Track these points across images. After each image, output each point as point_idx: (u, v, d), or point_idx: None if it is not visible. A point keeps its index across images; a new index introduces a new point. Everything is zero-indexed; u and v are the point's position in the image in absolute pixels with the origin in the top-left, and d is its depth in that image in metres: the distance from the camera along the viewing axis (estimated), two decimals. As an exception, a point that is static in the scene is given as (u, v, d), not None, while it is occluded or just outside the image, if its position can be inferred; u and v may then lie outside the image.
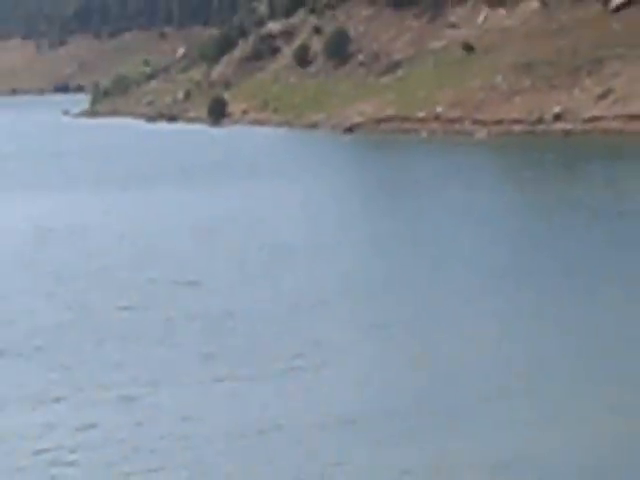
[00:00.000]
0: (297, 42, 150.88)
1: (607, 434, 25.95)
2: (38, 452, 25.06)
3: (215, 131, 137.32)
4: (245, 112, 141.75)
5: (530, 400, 29.18)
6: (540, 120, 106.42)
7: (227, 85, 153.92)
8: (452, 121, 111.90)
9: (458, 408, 29.18)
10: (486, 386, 31.59)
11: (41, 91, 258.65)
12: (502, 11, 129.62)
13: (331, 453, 24.85)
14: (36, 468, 24.46)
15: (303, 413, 27.86)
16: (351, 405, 29.56)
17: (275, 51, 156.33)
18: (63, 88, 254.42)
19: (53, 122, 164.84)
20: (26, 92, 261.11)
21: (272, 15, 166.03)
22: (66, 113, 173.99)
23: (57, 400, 29.90)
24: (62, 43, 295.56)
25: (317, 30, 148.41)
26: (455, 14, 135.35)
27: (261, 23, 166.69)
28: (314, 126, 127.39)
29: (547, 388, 31.16)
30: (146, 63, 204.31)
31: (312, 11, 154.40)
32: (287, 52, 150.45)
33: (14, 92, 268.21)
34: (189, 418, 28.23)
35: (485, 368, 33.01)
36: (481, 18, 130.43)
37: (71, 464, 24.46)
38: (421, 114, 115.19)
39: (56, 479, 24.45)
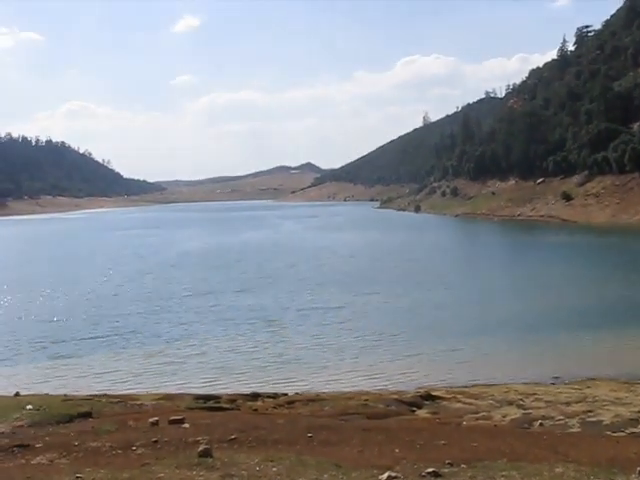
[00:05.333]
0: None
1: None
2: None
3: (415, 214, 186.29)
4: (425, 209, 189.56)
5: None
6: (513, 216, 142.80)
7: (419, 201, 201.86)
8: (486, 214, 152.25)
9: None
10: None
11: (364, 200, 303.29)
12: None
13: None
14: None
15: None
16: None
17: (434, 192, 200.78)
18: (371, 200, 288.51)
19: (367, 210, 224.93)
20: (358, 201, 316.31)
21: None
22: (372, 207, 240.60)
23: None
24: (372, 186, 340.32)
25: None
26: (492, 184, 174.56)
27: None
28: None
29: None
30: (390, 200, 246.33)
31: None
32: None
33: (352, 201, 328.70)
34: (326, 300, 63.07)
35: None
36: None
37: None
38: (479, 212, 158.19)
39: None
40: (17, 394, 25.11)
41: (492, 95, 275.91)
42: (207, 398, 25.53)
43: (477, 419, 22.90)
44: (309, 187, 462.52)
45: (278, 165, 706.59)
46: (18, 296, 57.37)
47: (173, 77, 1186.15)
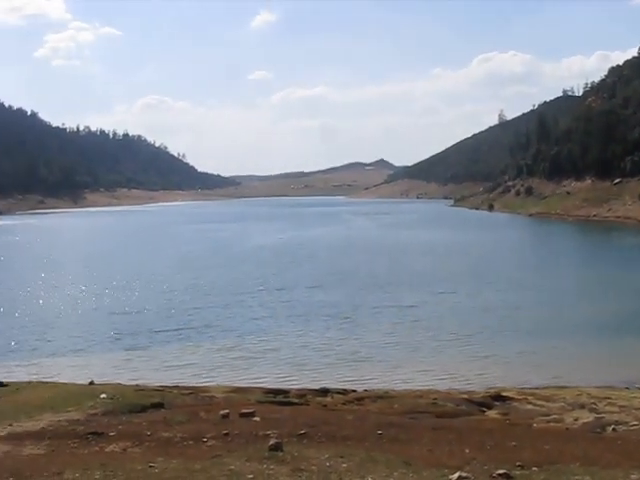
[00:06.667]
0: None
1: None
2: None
3: (488, 213, 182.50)
4: (498, 208, 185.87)
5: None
6: (588, 217, 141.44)
7: (493, 200, 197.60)
8: (561, 215, 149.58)
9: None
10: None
11: (437, 198, 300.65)
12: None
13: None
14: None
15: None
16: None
17: (508, 191, 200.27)
18: (444, 198, 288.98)
19: (440, 208, 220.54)
20: (431, 199, 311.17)
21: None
22: (446, 205, 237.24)
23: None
24: (445, 184, 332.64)
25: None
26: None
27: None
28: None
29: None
30: (463, 199, 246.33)
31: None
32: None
33: (424, 198, 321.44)
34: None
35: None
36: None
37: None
38: (553, 212, 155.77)
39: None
40: (92, 383, 25.67)
41: (570, 93, 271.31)
42: (277, 392, 25.76)
43: (548, 421, 22.54)
44: (382, 184, 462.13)
45: (351, 161, 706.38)
46: (94, 287, 58.36)
47: (249, 72, 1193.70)
